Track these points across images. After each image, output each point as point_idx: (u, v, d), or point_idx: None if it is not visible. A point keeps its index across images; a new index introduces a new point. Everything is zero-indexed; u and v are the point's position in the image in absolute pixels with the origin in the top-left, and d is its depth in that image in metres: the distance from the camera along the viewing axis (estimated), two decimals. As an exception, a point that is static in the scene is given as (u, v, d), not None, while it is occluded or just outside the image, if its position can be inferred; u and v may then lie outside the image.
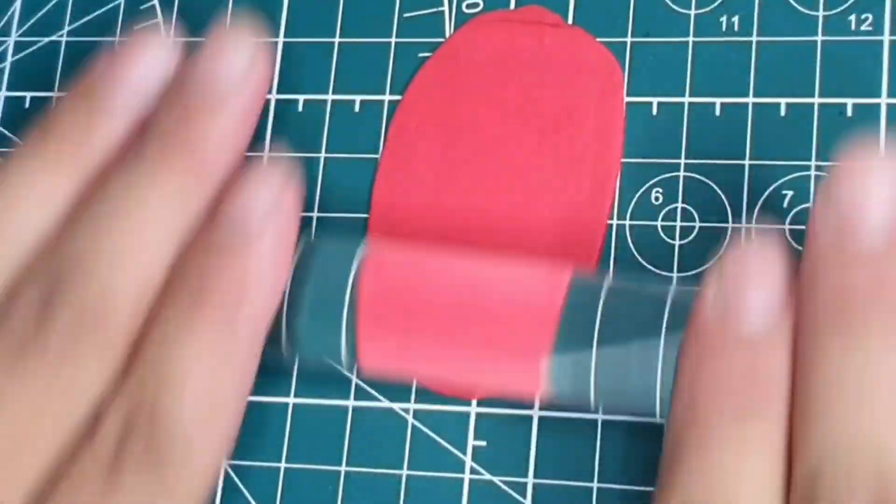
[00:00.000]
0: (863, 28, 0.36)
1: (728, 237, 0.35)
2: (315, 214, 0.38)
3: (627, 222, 0.36)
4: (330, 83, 0.39)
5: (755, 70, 0.36)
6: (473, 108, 0.38)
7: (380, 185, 0.38)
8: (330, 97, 0.39)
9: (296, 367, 0.37)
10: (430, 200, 0.37)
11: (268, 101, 0.39)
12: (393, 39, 0.39)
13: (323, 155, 0.39)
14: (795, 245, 0.35)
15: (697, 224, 0.36)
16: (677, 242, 0.36)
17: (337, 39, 0.40)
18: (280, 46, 0.40)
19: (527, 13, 0.38)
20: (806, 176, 0.35)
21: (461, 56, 0.39)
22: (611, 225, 0.36)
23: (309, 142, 0.39)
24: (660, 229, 0.36)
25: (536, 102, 0.38)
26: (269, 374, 0.36)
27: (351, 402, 0.36)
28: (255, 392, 0.36)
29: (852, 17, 0.36)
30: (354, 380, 0.36)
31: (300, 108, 0.39)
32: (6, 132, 0.41)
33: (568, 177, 0.37)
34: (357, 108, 0.39)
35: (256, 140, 0.37)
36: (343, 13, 0.40)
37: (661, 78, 0.37)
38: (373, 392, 0.36)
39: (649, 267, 0.36)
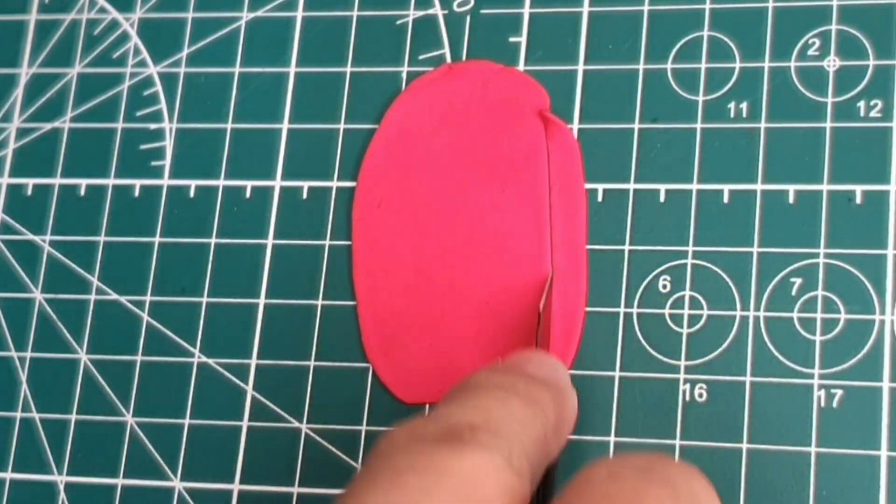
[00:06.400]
0: (872, 115, 0.36)
1: (736, 326, 0.35)
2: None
3: (635, 310, 0.36)
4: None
5: (763, 156, 0.36)
6: (430, 174, 0.38)
7: (359, 272, 0.38)
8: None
9: None
10: (411, 274, 0.37)
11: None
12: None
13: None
14: (803, 333, 0.34)
15: (706, 312, 0.35)
16: (685, 330, 0.35)
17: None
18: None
19: (471, 66, 0.39)
20: (815, 263, 0.35)
21: (405, 125, 0.39)
22: (618, 313, 0.36)
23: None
24: (668, 317, 0.36)
25: (489, 149, 0.38)
26: None
27: None
28: None
29: (861, 104, 0.36)
30: None
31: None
32: (9, 219, 0.40)
33: (539, 210, 0.37)
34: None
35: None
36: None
37: (669, 164, 0.37)
38: None
39: (657, 356, 0.35)
